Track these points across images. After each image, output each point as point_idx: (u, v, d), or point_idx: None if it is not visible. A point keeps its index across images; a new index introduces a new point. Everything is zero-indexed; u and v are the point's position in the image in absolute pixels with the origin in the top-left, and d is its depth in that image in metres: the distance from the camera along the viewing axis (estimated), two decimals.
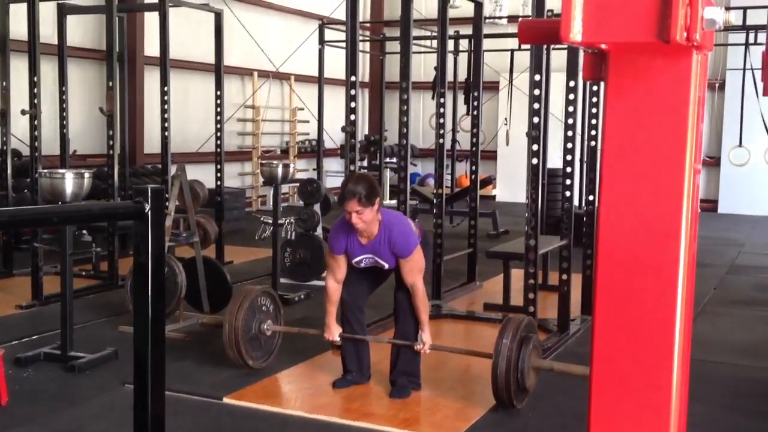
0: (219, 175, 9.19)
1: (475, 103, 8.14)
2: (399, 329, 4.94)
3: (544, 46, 6.06)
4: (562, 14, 1.35)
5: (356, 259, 4.83)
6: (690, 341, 1.62)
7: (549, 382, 5.15)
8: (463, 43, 12.73)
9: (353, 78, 5.96)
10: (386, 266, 4.83)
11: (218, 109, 9.24)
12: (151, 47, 11.83)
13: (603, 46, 1.46)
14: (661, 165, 1.47)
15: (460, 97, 12.65)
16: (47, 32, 9.18)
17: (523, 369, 4.56)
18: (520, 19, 10.77)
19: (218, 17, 9.32)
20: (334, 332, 4.96)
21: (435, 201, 7.54)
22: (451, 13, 7.69)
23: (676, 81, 1.44)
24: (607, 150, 1.53)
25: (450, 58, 11.85)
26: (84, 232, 9.31)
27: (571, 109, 6.59)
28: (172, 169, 7.91)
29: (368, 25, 17.50)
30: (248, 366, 5.16)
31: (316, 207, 8.22)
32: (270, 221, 8.38)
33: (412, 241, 4.74)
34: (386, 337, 5.28)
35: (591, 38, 1.37)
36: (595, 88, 6.69)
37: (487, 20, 11.00)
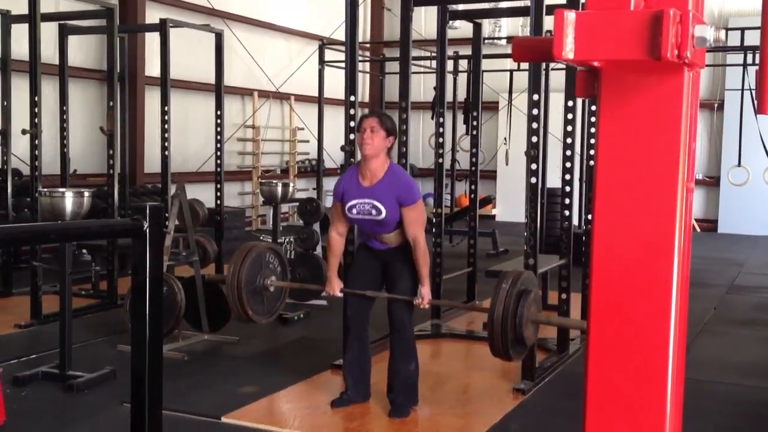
0: (219, 194, 9.20)
1: (475, 123, 8.17)
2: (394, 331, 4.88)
3: (543, 66, 6.09)
4: (554, 32, 1.36)
5: (351, 203, 4.71)
6: (684, 359, 1.62)
7: (552, 402, 5.14)
8: (463, 64, 12.79)
9: (353, 98, 5.97)
10: (382, 214, 4.63)
11: (218, 129, 9.27)
12: (152, 67, 11.89)
13: (595, 63, 1.47)
14: (654, 182, 1.48)
15: (460, 117, 12.69)
16: (48, 52, 9.22)
17: (521, 320, 4.29)
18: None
19: (219, 38, 9.36)
20: (336, 286, 4.95)
21: (434, 220, 7.55)
22: (450, 33, 7.72)
23: (668, 98, 1.45)
24: (601, 167, 1.53)
25: (449, 78, 11.88)
26: (83, 251, 9.30)
27: (569, 128, 6.61)
28: (172, 189, 7.92)
29: (368, 45, 17.59)
30: (248, 317, 5.12)
31: (316, 226, 8.22)
32: (270, 240, 8.37)
33: (417, 190, 4.71)
34: (383, 359, 5.23)
35: (583, 56, 1.38)
36: (593, 107, 6.72)
37: (486, 41, 11.06)
